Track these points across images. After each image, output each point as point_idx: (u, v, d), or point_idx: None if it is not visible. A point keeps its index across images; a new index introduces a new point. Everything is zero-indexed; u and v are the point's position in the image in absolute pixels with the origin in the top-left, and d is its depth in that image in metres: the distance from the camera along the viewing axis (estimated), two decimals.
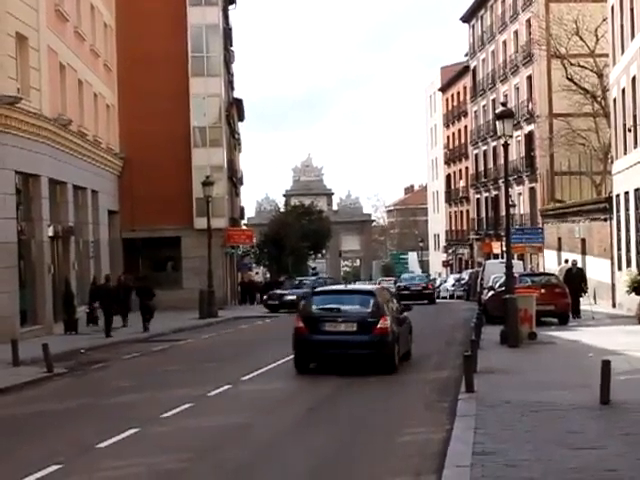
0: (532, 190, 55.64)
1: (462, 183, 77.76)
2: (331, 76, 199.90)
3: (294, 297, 43.22)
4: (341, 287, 23.73)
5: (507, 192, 24.20)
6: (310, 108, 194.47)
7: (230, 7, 58.51)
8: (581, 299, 30.36)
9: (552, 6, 51.28)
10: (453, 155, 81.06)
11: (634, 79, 31.02)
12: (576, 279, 30.13)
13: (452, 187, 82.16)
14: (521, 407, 11.91)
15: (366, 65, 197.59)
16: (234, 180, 61.08)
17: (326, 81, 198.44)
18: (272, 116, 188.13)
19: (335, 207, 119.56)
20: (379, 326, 17.36)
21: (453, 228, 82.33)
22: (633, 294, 29.32)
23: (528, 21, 54.95)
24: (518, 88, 58.08)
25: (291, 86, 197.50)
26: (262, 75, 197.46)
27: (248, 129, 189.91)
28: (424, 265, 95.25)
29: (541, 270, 45.73)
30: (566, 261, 33.96)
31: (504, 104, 25.83)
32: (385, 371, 17.24)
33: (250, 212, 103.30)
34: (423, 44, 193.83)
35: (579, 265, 33.57)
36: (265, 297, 46.82)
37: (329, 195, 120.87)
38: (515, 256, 42.44)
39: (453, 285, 58.75)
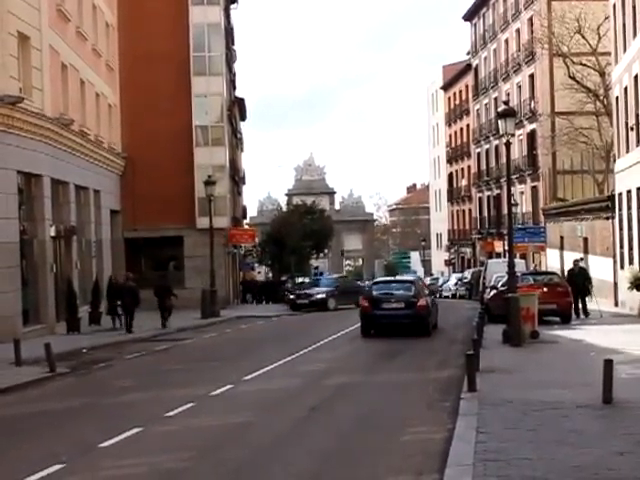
0: (534, 189, 55.64)
1: (464, 182, 77.72)
2: (333, 75, 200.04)
3: (324, 295, 44.30)
4: (391, 278, 33.04)
5: (509, 191, 24.18)
6: (312, 107, 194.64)
7: (232, 6, 58.56)
8: (587, 298, 30.00)
9: (554, 4, 51.29)
10: (455, 154, 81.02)
11: (636, 77, 30.99)
12: (579, 278, 29.90)
13: (454, 186, 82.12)
14: (523, 406, 11.90)
15: (368, 64, 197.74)
16: (236, 179, 61.11)
17: (328, 80, 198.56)
18: (274, 115, 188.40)
19: (337, 206, 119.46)
20: (419, 304, 25.35)
21: (455, 227, 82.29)
22: (634, 290, 29.34)
23: (530, 19, 54.94)
24: (520, 86, 58.07)
25: (293, 85, 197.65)
26: (264, 74, 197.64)
27: (250, 128, 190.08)
28: (426, 264, 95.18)
29: (544, 269, 45.68)
30: (581, 259, 33.70)
31: (506, 103, 25.81)
32: (422, 334, 24.73)
33: (252, 211, 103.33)
34: (425, 43, 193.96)
35: (582, 264, 33.39)
36: (292, 297, 46.97)
37: (331, 194, 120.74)
38: (517, 255, 42.42)
39: (455, 284, 58.72)
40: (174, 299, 32.27)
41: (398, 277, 37.04)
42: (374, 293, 26.49)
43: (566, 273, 34.06)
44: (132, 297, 29.36)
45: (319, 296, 44.77)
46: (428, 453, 9.92)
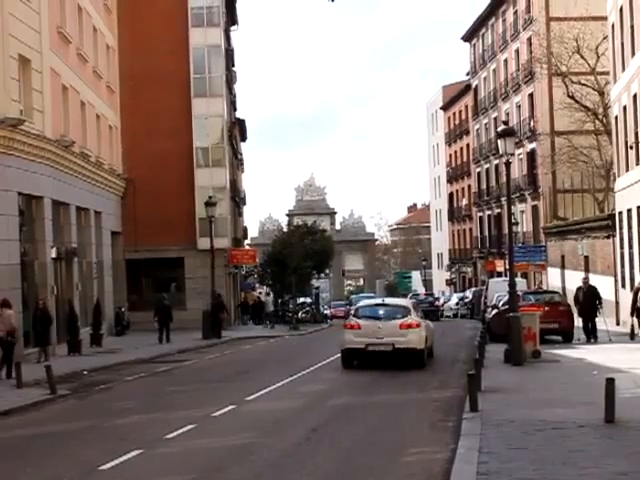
0: (535, 208, 55.68)
1: (465, 201, 77.79)
2: (334, 96, 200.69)
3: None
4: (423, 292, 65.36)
5: (509, 210, 24.18)
6: (312, 128, 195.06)
7: (232, 28, 58.84)
8: (597, 319, 27.91)
9: (553, 25, 51.51)
10: (455, 173, 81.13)
11: (635, 96, 31.09)
12: (589, 297, 27.87)
13: (455, 205, 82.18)
14: (526, 426, 11.87)
15: (370, 84, 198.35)
16: (237, 200, 61.18)
17: (329, 101, 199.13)
18: (275, 136, 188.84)
19: (338, 226, 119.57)
20: (435, 304, 53.58)
21: (456, 246, 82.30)
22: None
23: (529, 39, 55.18)
24: (519, 106, 58.24)
25: (294, 106, 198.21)
26: (266, 95, 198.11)
27: (251, 149, 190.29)
28: (428, 284, 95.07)
29: (545, 288, 45.59)
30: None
31: (506, 122, 25.86)
32: (436, 320, 42.56)
33: (253, 232, 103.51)
34: (429, 62, 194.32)
35: (580, 284, 31.92)
36: None
37: (332, 214, 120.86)
38: (518, 274, 42.40)
39: (457, 304, 58.66)
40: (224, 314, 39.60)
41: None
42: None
43: (573, 292, 32.63)
44: (167, 314, 35.31)
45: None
46: (430, 473, 9.88)
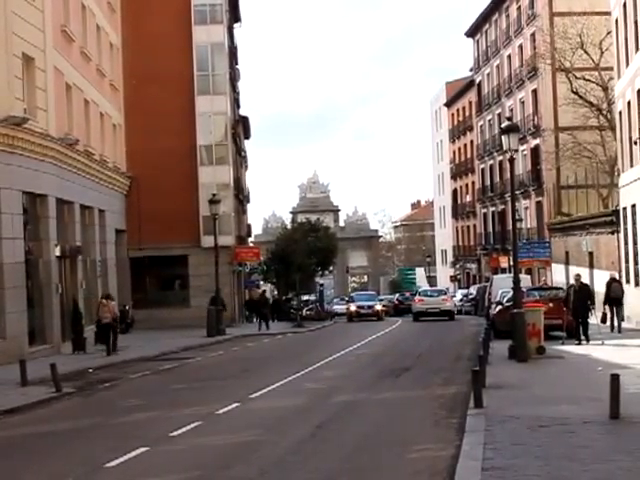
0: (539, 204, 55.64)
1: (469, 198, 77.75)
2: (338, 93, 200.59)
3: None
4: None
5: (514, 206, 24.19)
6: (316, 126, 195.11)
7: (235, 25, 58.83)
8: (589, 320, 26.29)
9: (556, 20, 51.44)
10: (459, 170, 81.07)
11: (639, 92, 31.03)
12: (582, 297, 25.86)
13: (459, 202, 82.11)
14: (530, 422, 11.86)
15: (374, 82, 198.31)
16: (240, 198, 61.18)
17: (333, 98, 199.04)
18: (279, 133, 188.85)
19: (342, 223, 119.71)
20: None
21: (460, 243, 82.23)
22: None
23: (532, 35, 55.10)
24: (523, 102, 58.17)
25: (298, 104, 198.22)
26: (271, 92, 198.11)
27: (255, 146, 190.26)
28: (432, 280, 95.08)
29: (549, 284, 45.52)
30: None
31: (509, 118, 25.83)
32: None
33: (257, 229, 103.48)
34: (434, 60, 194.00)
35: (584, 280, 29.72)
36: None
37: (336, 211, 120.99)
38: (523, 270, 42.36)
39: (461, 300, 58.61)
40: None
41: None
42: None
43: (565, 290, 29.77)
44: (221, 305, 39.07)
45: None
46: (435, 470, 9.87)
